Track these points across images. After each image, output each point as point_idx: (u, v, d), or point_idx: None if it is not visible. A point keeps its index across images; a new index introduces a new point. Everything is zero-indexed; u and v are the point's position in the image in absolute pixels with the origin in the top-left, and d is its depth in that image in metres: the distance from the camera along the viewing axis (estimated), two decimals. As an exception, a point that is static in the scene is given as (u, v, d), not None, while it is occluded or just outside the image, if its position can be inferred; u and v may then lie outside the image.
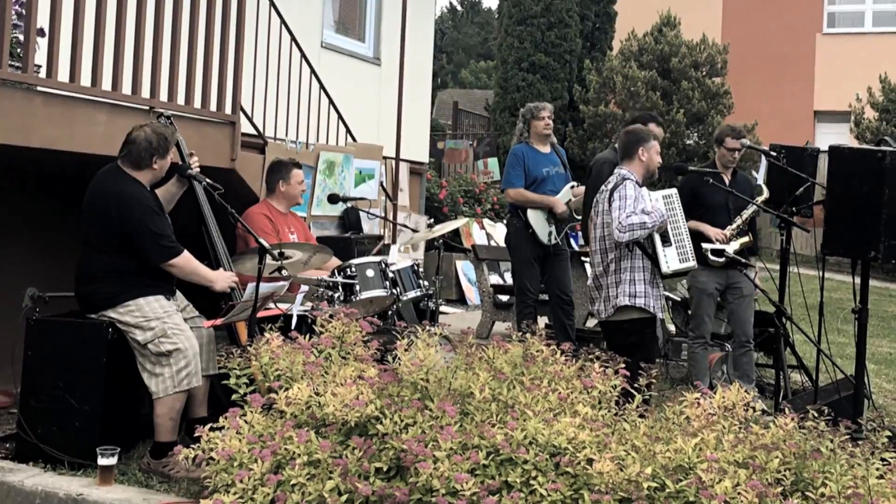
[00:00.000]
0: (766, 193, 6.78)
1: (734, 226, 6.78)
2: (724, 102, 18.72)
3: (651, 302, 5.55)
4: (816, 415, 3.70)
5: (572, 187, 7.37)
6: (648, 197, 5.57)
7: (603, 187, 5.69)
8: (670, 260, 5.55)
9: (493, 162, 17.93)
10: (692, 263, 5.74)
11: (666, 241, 5.57)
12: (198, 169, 5.40)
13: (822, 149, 6.84)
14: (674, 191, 5.83)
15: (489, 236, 12.99)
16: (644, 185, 5.68)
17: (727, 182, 6.86)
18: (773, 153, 6.56)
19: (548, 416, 3.61)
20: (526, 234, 7.24)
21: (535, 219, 7.22)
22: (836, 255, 5.41)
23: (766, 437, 3.62)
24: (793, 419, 3.68)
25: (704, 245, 6.62)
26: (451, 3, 45.67)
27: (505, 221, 7.86)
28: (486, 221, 13.37)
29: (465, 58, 41.38)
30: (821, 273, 5.98)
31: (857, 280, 5.30)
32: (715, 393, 3.93)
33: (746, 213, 6.81)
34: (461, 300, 12.08)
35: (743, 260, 6.64)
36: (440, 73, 34.11)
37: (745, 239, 6.84)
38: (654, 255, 5.55)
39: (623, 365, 4.04)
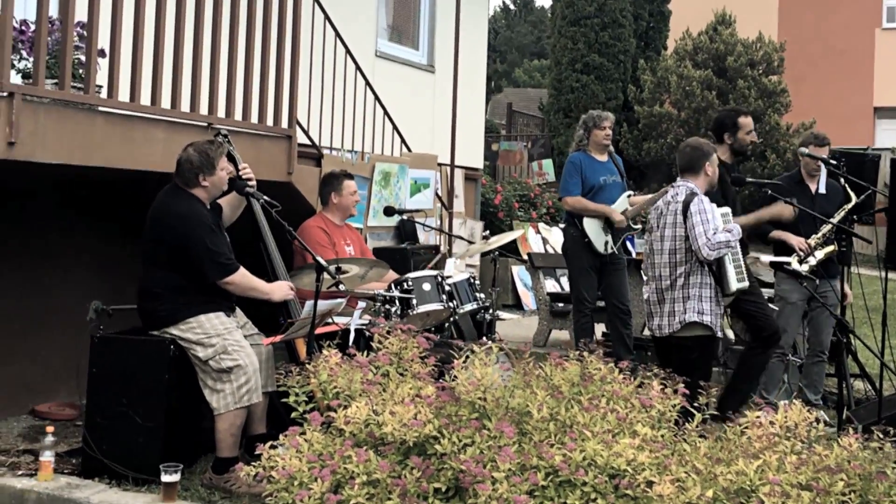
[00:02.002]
0: (854, 199, 6.57)
1: (818, 235, 6.57)
2: (781, 101, 18.46)
3: (715, 320, 5.47)
4: (882, 435, 3.64)
5: (629, 196, 7.32)
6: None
7: (669, 199, 5.58)
8: (732, 280, 5.48)
9: (547, 163, 17.87)
10: (746, 283, 5.63)
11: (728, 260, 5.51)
12: (254, 184, 5.45)
13: (883, 147, 6.70)
14: (728, 209, 5.72)
15: (545, 241, 12.93)
16: None
17: (814, 190, 6.73)
18: (833, 161, 6.44)
19: (607, 438, 3.59)
20: (582, 243, 7.20)
21: (592, 228, 7.18)
22: (900, 267, 5.32)
23: (829, 459, 3.57)
24: (857, 439, 3.62)
25: (789, 259, 6.47)
26: (503, 3, 45.62)
27: (561, 229, 7.82)
28: (541, 226, 13.30)
29: (518, 57, 41.28)
30: (883, 285, 5.85)
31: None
32: (776, 409, 3.88)
33: (832, 222, 6.58)
34: (518, 305, 12.06)
35: (810, 275, 6.43)
36: (493, 77, 34.05)
37: (831, 248, 6.60)
38: (722, 273, 5.46)
39: (682, 384, 4.01)
